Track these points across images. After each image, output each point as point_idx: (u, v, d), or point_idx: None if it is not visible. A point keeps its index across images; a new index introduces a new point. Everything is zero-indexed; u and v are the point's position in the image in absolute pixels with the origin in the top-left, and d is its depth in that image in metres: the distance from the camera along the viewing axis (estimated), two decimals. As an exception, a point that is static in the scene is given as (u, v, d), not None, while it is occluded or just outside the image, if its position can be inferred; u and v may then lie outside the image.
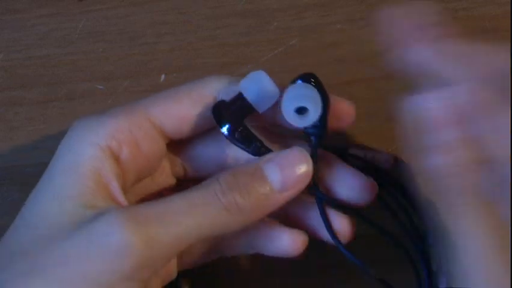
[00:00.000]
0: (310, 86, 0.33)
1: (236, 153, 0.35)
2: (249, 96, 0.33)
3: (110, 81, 0.46)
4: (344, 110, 0.35)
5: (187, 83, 0.34)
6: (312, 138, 0.33)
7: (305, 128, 0.33)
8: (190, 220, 0.30)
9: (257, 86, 0.33)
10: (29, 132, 0.41)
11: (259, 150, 0.33)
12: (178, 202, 0.30)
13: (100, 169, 0.31)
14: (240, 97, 0.33)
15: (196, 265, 0.36)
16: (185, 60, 0.42)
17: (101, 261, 0.28)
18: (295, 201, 0.33)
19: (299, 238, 0.35)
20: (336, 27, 0.48)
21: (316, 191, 0.34)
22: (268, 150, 0.33)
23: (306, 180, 0.32)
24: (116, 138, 0.31)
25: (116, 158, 0.31)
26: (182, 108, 0.34)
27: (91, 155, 0.31)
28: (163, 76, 0.37)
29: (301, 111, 0.32)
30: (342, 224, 0.34)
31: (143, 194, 0.36)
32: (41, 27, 0.48)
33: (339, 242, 0.34)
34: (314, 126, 0.33)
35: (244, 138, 0.33)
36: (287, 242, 0.35)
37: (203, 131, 0.35)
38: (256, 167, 0.31)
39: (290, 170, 0.31)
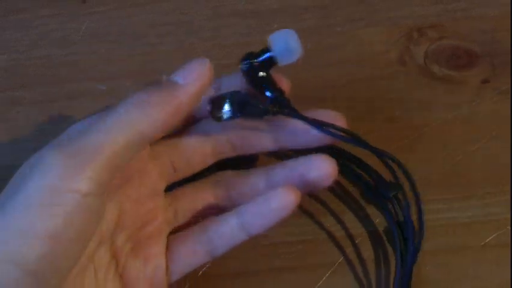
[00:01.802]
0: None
1: (221, 141, 0.38)
2: (275, 49, 0.35)
3: (112, 81, 0.46)
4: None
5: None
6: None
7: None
8: (112, 126, 0.31)
9: (283, 41, 0.36)
10: (30, 131, 0.41)
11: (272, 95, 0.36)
12: (100, 116, 0.32)
13: None
14: (266, 49, 0.35)
15: (187, 272, 0.37)
16: (186, 60, 0.41)
17: (38, 184, 0.30)
18: None
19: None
20: (336, 29, 0.48)
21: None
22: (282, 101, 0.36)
23: (207, 74, 0.34)
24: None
25: None
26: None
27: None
28: (164, 76, 0.37)
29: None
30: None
31: (135, 197, 0.36)
32: (44, 28, 0.48)
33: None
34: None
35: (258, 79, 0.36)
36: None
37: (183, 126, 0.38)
38: (164, 79, 0.34)
39: (189, 67, 0.34)
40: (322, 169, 0.35)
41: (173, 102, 0.33)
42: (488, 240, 0.39)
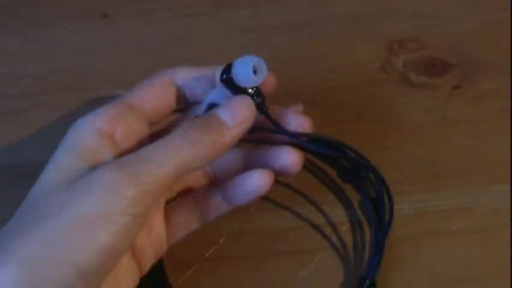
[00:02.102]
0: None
1: None
2: (234, 74, 0.34)
3: (130, 87, 0.45)
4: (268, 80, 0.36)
5: (154, 74, 0.36)
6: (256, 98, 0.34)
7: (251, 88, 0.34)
8: (166, 158, 0.31)
9: (241, 68, 0.34)
10: (55, 133, 0.41)
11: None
12: (155, 147, 0.31)
13: (96, 146, 0.32)
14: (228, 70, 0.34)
15: (182, 237, 0.37)
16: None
17: (96, 201, 0.29)
18: None
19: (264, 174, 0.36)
20: (328, 41, 0.48)
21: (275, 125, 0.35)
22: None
23: (251, 117, 0.34)
24: (109, 122, 0.33)
25: (110, 138, 0.33)
26: (153, 92, 0.35)
27: (89, 135, 0.32)
28: (215, 110, 0.38)
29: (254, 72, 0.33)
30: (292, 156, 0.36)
31: None
32: (70, 40, 0.48)
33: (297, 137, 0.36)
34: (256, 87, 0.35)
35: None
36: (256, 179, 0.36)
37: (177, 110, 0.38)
38: (211, 113, 0.33)
39: (237, 109, 0.33)
40: (289, 159, 0.35)
41: (221, 144, 0.33)
42: (458, 226, 0.40)
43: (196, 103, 0.38)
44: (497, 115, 0.45)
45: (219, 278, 0.39)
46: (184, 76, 0.36)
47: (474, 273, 0.39)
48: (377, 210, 0.39)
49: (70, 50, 0.48)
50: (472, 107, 0.45)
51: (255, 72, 0.33)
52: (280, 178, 0.41)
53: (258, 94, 0.34)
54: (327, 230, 0.41)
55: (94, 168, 0.30)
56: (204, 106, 0.36)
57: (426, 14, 0.50)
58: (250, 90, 0.34)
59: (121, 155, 0.34)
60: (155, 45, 0.39)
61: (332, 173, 0.42)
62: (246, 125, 0.34)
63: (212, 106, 0.35)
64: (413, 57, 0.48)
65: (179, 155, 0.32)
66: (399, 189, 0.41)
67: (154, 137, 0.37)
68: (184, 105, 0.38)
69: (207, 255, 0.39)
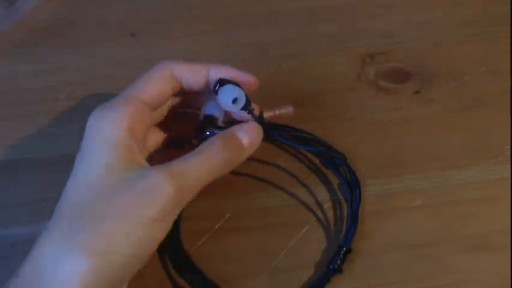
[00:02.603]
0: (234, 86, 0.35)
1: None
2: (219, 98, 0.35)
3: None
4: (249, 80, 0.37)
5: (155, 66, 0.36)
6: (248, 113, 0.35)
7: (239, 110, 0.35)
8: (204, 173, 0.32)
9: (224, 96, 0.35)
10: None
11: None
12: (195, 161, 0.32)
13: (125, 141, 0.31)
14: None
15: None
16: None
17: (151, 208, 0.29)
18: None
19: None
20: (313, 55, 0.49)
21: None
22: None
23: (260, 141, 0.35)
24: (132, 120, 0.32)
25: (133, 132, 0.32)
26: (156, 86, 0.35)
27: (117, 133, 0.31)
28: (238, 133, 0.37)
29: (234, 100, 0.34)
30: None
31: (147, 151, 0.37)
32: (107, 55, 0.49)
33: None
34: (243, 106, 0.35)
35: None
36: None
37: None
38: (234, 135, 0.34)
39: (253, 135, 0.35)
40: (251, 133, 0.35)
41: (238, 162, 0.34)
42: (417, 203, 0.41)
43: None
44: (448, 115, 0.45)
45: (225, 246, 0.39)
46: (182, 69, 0.36)
47: (427, 240, 0.39)
48: (352, 191, 0.40)
49: (105, 62, 0.48)
50: (428, 108, 0.46)
51: (235, 100, 0.34)
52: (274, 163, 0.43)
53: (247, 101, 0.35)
54: (314, 207, 0.41)
55: (142, 173, 0.30)
56: (201, 117, 0.37)
57: (392, 34, 0.50)
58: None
59: (143, 143, 0.34)
60: (173, 57, 0.40)
61: (318, 161, 0.43)
62: (256, 147, 0.35)
63: (209, 117, 0.36)
64: (382, 68, 0.48)
65: (214, 171, 0.33)
66: (369, 175, 0.42)
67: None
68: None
69: (215, 227, 0.40)
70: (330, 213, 0.41)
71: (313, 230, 0.40)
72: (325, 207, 0.41)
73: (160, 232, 0.31)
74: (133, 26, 0.51)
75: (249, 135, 0.35)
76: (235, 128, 0.35)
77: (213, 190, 0.38)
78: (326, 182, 0.43)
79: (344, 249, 0.38)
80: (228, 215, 0.41)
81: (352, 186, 0.40)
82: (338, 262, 0.38)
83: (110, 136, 0.31)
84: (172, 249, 0.39)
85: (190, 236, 0.40)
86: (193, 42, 0.50)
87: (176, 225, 0.39)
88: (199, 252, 0.39)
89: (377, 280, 0.38)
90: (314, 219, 0.41)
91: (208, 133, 0.35)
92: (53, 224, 0.30)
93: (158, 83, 0.35)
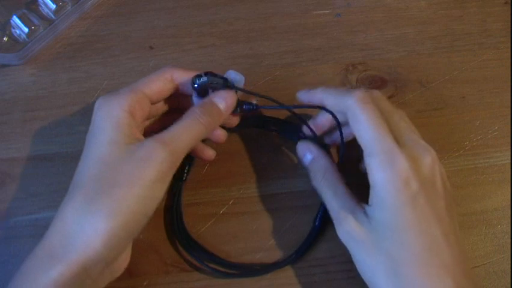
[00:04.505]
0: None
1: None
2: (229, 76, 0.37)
3: None
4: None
5: (159, 70, 0.36)
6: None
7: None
8: (189, 137, 0.33)
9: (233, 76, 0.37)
10: None
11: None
12: (181, 128, 0.33)
13: (127, 121, 0.32)
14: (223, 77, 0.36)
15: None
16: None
17: (150, 171, 0.30)
18: None
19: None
20: (302, 64, 0.48)
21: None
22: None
23: (234, 103, 0.36)
24: (134, 106, 0.33)
25: (134, 115, 0.33)
26: (158, 84, 0.36)
27: (123, 116, 0.32)
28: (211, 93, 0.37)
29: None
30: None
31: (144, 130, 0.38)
32: (129, 65, 0.48)
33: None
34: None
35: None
36: None
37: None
38: (212, 102, 0.35)
39: (228, 99, 0.35)
40: (227, 98, 0.35)
41: (217, 123, 0.35)
42: None
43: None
44: (417, 115, 0.45)
45: (229, 228, 0.39)
46: (180, 74, 0.36)
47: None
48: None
49: (127, 71, 0.48)
50: (401, 109, 0.42)
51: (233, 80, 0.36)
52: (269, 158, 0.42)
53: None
54: (305, 194, 0.40)
55: (141, 142, 0.31)
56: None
57: (371, 46, 0.49)
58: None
59: (141, 127, 0.36)
60: (184, 66, 0.39)
61: None
62: (231, 109, 0.36)
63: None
64: (362, 75, 0.47)
65: (197, 134, 0.33)
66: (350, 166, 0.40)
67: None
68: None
69: (221, 212, 0.40)
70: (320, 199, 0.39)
71: (305, 214, 0.40)
72: (315, 194, 0.39)
73: (160, 191, 0.32)
74: (151, 41, 0.50)
75: (225, 100, 0.35)
76: (212, 95, 0.35)
77: (219, 180, 0.40)
78: None
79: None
80: (231, 201, 0.41)
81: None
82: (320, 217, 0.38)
83: (115, 116, 0.32)
84: (178, 233, 0.38)
85: (199, 219, 0.40)
86: (201, 54, 0.49)
87: (179, 212, 0.39)
88: (206, 233, 0.39)
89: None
90: (306, 204, 0.40)
91: (196, 85, 0.35)
92: (72, 196, 0.31)
93: (160, 82, 0.36)
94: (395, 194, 0.31)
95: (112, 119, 0.32)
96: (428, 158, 0.32)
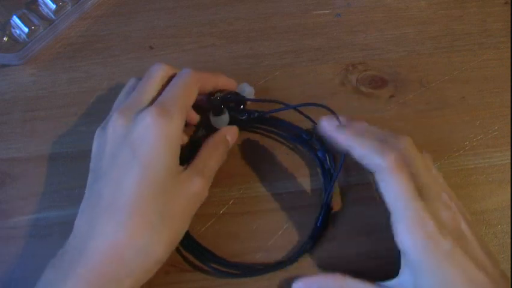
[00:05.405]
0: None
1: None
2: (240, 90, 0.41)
3: None
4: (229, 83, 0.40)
5: (191, 77, 0.36)
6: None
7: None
8: (216, 166, 0.36)
9: (244, 89, 0.41)
10: None
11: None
12: (211, 161, 0.35)
13: (179, 148, 0.33)
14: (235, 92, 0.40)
15: None
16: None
17: (198, 205, 0.34)
18: None
19: None
20: (302, 65, 0.48)
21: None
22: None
23: (236, 137, 0.39)
24: (181, 128, 0.34)
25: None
26: (195, 97, 0.36)
27: (177, 143, 0.33)
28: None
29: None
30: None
31: None
32: (129, 65, 0.48)
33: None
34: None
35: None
36: None
37: None
38: (223, 136, 0.37)
39: (233, 135, 0.38)
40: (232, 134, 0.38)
41: (226, 152, 0.38)
42: None
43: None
44: (418, 115, 0.44)
45: (229, 228, 0.39)
46: (203, 80, 0.37)
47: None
48: (326, 156, 0.41)
49: (127, 71, 0.47)
50: (401, 109, 0.45)
51: (244, 92, 0.41)
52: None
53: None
54: (305, 194, 0.40)
55: (187, 173, 0.33)
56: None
57: (371, 46, 0.49)
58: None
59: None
60: (185, 67, 0.39)
61: (304, 158, 0.42)
62: (234, 141, 0.38)
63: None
64: (362, 75, 0.47)
65: (219, 163, 0.36)
66: (352, 166, 0.41)
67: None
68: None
69: (221, 212, 0.40)
70: (320, 200, 0.40)
71: (305, 214, 0.40)
72: (315, 194, 0.40)
73: (196, 208, 0.34)
74: (151, 41, 0.50)
75: (231, 136, 0.38)
76: (223, 131, 0.38)
77: (220, 180, 0.40)
78: (315, 173, 0.42)
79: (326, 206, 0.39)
80: (231, 202, 0.40)
81: (325, 153, 0.41)
82: (322, 218, 0.38)
83: (173, 143, 0.32)
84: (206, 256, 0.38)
85: (200, 219, 0.39)
86: (201, 54, 0.49)
87: None
88: (207, 233, 0.39)
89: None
90: (306, 204, 0.40)
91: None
92: (118, 212, 0.30)
93: (195, 95, 0.36)
94: (430, 255, 0.30)
95: (170, 145, 0.32)
96: (448, 212, 0.31)
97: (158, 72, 0.37)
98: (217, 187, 0.40)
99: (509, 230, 0.39)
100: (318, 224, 0.38)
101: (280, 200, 0.40)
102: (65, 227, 0.32)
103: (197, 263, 0.37)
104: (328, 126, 0.35)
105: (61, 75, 0.48)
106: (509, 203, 0.40)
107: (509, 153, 0.42)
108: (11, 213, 0.39)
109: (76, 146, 0.43)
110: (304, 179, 0.41)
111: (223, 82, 0.39)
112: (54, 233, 0.38)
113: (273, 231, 0.39)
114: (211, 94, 0.39)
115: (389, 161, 0.31)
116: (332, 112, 0.36)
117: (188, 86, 0.35)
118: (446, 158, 0.42)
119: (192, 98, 0.35)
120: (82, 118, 0.45)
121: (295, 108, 0.40)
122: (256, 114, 0.40)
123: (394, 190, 0.31)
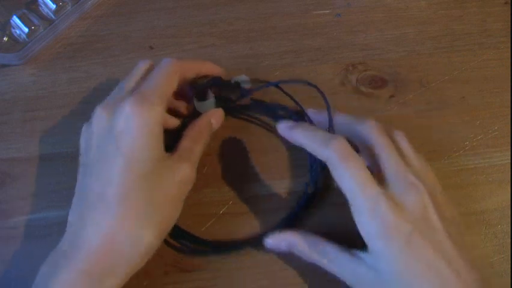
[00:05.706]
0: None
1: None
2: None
3: None
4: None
5: (172, 65, 0.36)
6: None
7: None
8: (201, 151, 0.35)
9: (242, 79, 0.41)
10: None
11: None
12: (196, 147, 0.35)
13: (161, 136, 0.33)
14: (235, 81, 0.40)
15: None
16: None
17: (186, 192, 0.34)
18: None
19: None
20: (302, 65, 0.48)
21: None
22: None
23: (221, 120, 0.38)
24: (163, 116, 0.34)
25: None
26: (175, 85, 0.36)
27: (159, 131, 0.33)
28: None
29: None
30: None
31: None
32: (129, 65, 0.46)
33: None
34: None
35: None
36: None
37: None
38: (208, 120, 0.37)
39: (218, 118, 0.38)
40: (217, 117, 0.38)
41: (209, 135, 0.37)
42: None
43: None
44: (418, 115, 0.44)
45: (229, 227, 0.39)
46: (186, 68, 0.37)
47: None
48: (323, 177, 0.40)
49: (127, 71, 0.42)
50: (401, 109, 0.45)
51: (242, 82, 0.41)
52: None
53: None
54: (300, 194, 0.40)
55: (173, 160, 0.33)
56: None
57: (371, 46, 0.49)
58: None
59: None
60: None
61: (298, 158, 0.42)
62: (219, 125, 0.38)
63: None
64: (362, 75, 0.47)
65: (200, 147, 0.35)
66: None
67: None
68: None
69: (221, 212, 0.40)
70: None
71: (299, 213, 0.39)
72: (309, 193, 0.40)
73: (186, 193, 0.34)
74: (151, 40, 0.50)
75: (216, 119, 0.38)
76: (208, 115, 0.37)
77: (219, 180, 0.41)
78: (301, 173, 0.42)
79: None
80: (231, 201, 0.40)
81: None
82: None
83: (154, 132, 0.32)
84: (180, 234, 0.39)
85: (200, 219, 0.39)
86: (201, 54, 0.49)
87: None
88: (207, 232, 0.39)
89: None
90: (291, 205, 0.40)
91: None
92: (110, 205, 0.30)
93: (176, 82, 0.36)
94: (389, 243, 0.29)
95: (152, 133, 0.32)
96: (413, 196, 0.30)
97: (140, 67, 0.38)
98: (217, 187, 0.41)
99: (509, 230, 0.39)
100: (301, 203, 0.39)
101: (281, 200, 0.40)
102: (65, 227, 0.32)
103: (197, 262, 0.37)
104: (282, 129, 0.35)
105: (61, 75, 0.48)
106: (509, 203, 0.40)
107: (509, 153, 0.42)
108: (11, 213, 0.39)
109: (76, 146, 0.41)
110: (305, 179, 0.41)
111: (208, 68, 0.39)
112: (53, 233, 0.38)
113: (268, 229, 0.38)
114: (194, 80, 0.38)
115: (333, 150, 0.31)
116: (318, 89, 0.38)
117: (168, 74, 0.35)
118: (446, 158, 0.42)
119: (172, 85, 0.35)
120: (82, 118, 0.43)
121: (277, 85, 0.40)
122: (242, 93, 0.40)
123: (347, 180, 0.31)
